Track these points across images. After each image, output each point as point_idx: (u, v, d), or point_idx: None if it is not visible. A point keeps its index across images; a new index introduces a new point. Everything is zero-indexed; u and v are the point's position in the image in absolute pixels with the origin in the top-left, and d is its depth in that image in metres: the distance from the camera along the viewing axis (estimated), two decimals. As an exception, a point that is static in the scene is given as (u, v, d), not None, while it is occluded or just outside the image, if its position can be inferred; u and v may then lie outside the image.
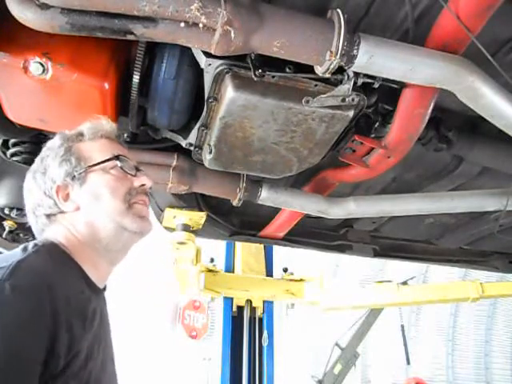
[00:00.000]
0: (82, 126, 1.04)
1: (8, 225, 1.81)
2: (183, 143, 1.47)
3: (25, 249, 0.88)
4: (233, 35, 0.98)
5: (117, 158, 1.01)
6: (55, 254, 0.93)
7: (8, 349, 0.74)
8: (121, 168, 1.01)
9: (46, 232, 1.00)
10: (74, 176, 0.98)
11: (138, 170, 1.06)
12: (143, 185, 1.04)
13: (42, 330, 0.78)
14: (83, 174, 0.98)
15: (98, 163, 1.00)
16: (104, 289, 1.03)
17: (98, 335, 0.95)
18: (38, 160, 1.03)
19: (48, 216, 1.00)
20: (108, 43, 1.13)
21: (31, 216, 1.02)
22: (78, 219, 0.98)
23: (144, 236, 1.04)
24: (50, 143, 1.04)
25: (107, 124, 1.06)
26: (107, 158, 1.01)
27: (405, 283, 4.96)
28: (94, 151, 1.01)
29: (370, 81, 1.20)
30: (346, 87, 1.18)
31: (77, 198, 0.98)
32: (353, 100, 1.22)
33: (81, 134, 1.03)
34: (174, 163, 1.55)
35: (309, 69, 1.13)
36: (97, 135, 1.03)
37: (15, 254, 0.86)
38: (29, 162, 1.63)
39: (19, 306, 0.77)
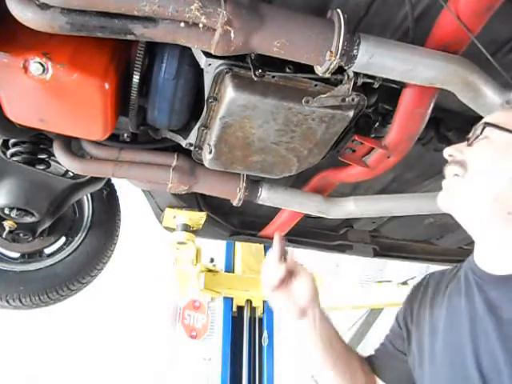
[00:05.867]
0: None
1: (8, 225, 1.80)
2: (183, 143, 1.47)
3: None
4: (233, 35, 0.98)
5: None
6: None
7: None
8: None
9: None
10: None
11: None
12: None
13: None
14: None
15: None
16: None
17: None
18: None
19: None
20: (108, 43, 1.13)
21: None
22: None
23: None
24: None
25: None
26: None
27: (405, 283, 4.95)
28: None
29: (370, 81, 1.20)
30: (346, 87, 1.18)
31: None
32: (353, 100, 1.22)
33: None
34: (174, 163, 1.55)
35: (309, 69, 1.13)
36: None
37: None
38: (29, 162, 1.63)
39: None
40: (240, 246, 4.33)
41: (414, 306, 1.19)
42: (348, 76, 1.16)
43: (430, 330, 1.06)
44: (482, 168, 0.97)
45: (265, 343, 4.02)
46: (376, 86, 1.22)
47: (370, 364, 1.25)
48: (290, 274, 1.16)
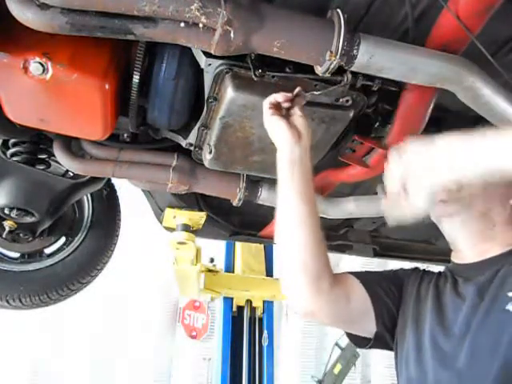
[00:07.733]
0: None
1: (8, 225, 1.80)
2: (183, 143, 1.47)
3: None
4: (233, 35, 0.98)
5: None
6: None
7: None
8: None
9: None
10: None
11: None
12: None
13: None
14: None
15: None
16: None
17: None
18: None
19: None
20: (108, 43, 1.13)
21: None
22: None
23: None
24: None
25: None
26: None
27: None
28: None
29: (369, 83, 1.20)
30: (340, 89, 1.18)
31: None
32: (347, 101, 1.21)
33: None
34: (174, 163, 1.55)
35: (309, 69, 1.13)
36: None
37: None
38: (29, 162, 1.63)
39: None
40: (240, 246, 4.32)
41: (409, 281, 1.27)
42: (347, 79, 1.16)
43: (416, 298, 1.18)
44: (475, 190, 1.09)
45: (265, 343, 4.01)
46: (375, 88, 1.22)
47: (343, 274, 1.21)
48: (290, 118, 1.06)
